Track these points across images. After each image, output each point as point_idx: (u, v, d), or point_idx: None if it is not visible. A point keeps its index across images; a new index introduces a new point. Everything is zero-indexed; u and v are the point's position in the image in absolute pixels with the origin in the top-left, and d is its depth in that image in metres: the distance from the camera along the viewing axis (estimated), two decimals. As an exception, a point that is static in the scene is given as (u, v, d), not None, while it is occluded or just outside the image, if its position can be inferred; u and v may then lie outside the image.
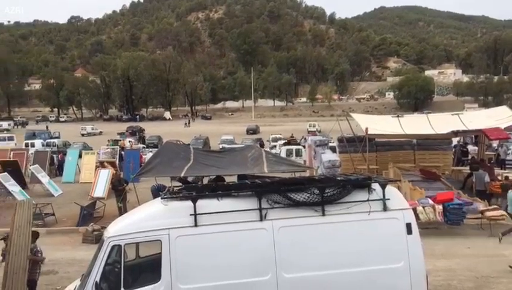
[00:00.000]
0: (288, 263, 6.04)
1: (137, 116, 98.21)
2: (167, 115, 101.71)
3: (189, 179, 14.62)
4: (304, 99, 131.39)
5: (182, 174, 13.59)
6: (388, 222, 6.19)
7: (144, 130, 58.46)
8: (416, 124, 19.22)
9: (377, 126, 17.66)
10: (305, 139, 32.00)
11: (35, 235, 8.71)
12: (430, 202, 12.73)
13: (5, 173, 18.42)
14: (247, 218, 6.11)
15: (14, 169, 19.85)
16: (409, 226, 6.19)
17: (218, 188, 6.66)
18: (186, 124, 77.66)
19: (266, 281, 6.01)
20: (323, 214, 6.13)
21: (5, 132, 59.77)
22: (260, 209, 6.08)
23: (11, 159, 22.31)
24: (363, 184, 6.33)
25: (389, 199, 6.21)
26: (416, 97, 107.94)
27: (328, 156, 17.59)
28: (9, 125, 76.61)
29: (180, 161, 14.13)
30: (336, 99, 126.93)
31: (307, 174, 15.81)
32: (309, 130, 55.76)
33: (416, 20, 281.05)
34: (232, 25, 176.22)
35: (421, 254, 6.20)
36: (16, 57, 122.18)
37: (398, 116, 19.86)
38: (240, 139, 42.63)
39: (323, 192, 6.14)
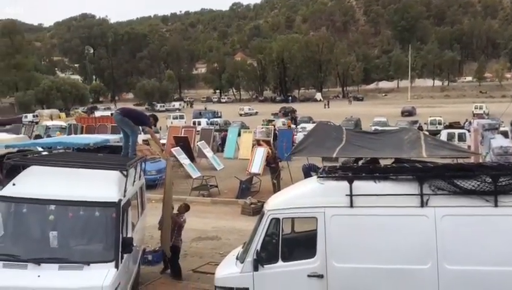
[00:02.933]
0: (452, 254, 5.66)
1: (290, 98, 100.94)
2: (318, 96, 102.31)
3: (341, 160, 14.54)
4: (469, 78, 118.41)
5: (334, 155, 13.58)
6: None
7: (295, 110, 59.92)
8: None
9: None
10: (470, 122, 29.01)
11: (186, 208, 9.49)
12: None
13: (178, 148, 20.83)
14: (406, 203, 5.88)
15: (184, 144, 22.30)
16: None
17: (375, 170, 6.52)
18: (325, 105, 77.43)
19: (425, 270, 5.73)
20: (496, 205, 5.55)
21: (177, 111, 67.50)
22: (421, 194, 5.78)
23: (183, 136, 25.06)
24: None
25: None
26: None
27: (499, 141, 15.69)
28: (180, 105, 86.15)
29: (332, 142, 14.08)
30: (509, 78, 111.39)
31: (471, 160, 14.36)
32: (475, 112, 50.42)
33: None
34: (389, 1, 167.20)
35: None
36: (186, 43, 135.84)
37: None
38: (393, 121, 40.71)
39: (497, 180, 5.53)
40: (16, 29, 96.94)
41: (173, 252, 9.14)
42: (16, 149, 15.44)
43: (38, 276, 5.61)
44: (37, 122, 45.06)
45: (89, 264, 5.87)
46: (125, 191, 6.65)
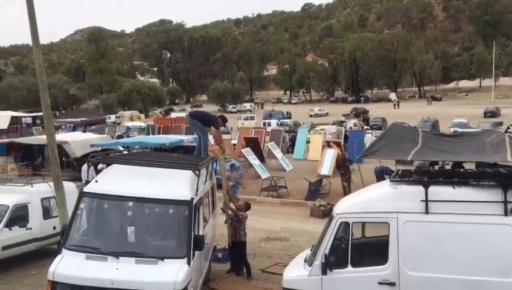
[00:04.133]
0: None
1: (362, 98, 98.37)
2: (392, 96, 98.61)
3: (416, 163, 13.88)
4: None
5: (409, 158, 13.02)
6: None
7: (367, 111, 58.25)
8: None
9: None
10: None
11: (247, 206, 9.55)
12: None
13: (248, 148, 21.14)
14: (487, 211, 5.49)
15: (255, 145, 22.60)
16: None
17: (453, 175, 6.16)
18: (395, 105, 74.25)
19: (508, 284, 5.32)
20: None
21: (248, 112, 68.53)
22: (505, 202, 5.37)
23: (253, 136, 25.39)
24: None
25: None
26: None
27: None
28: (251, 106, 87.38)
29: (407, 144, 13.52)
30: None
31: None
32: None
33: None
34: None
35: None
36: (257, 46, 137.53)
37: None
38: (475, 123, 38.18)
39: None
40: (101, 36, 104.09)
41: (240, 248, 9.27)
42: (100, 148, 16.60)
43: (117, 268, 5.96)
44: (119, 123, 48.00)
45: (162, 260, 6.13)
46: (197, 190, 6.87)
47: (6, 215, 9.96)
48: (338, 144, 23.06)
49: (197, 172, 6.95)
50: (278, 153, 22.98)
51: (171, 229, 6.71)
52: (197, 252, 6.57)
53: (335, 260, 6.13)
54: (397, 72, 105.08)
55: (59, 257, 6.21)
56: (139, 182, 6.80)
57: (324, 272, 6.06)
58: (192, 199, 6.59)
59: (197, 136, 9.18)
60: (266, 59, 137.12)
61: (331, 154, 20.30)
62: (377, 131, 30.93)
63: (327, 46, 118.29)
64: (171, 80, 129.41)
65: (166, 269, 6.04)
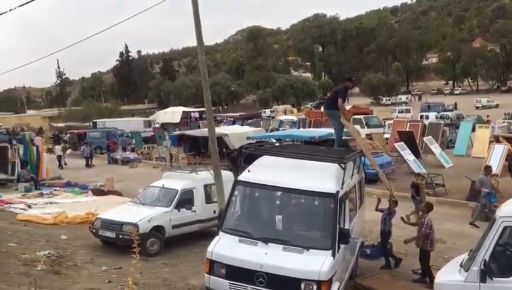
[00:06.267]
0: None
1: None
2: None
3: None
4: None
5: None
6: None
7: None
8: None
9: None
10: None
11: (429, 207, 9.00)
12: None
13: (402, 143, 20.11)
14: None
15: (409, 139, 21.38)
16: None
17: None
18: None
19: None
20: None
21: (403, 104, 65.00)
22: None
23: (407, 130, 24.05)
24: None
25: None
26: None
27: None
28: (407, 98, 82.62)
29: None
30: None
31: None
32: None
33: None
34: None
35: None
36: (416, 33, 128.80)
37: None
38: None
39: None
40: (259, 35, 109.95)
41: (423, 256, 8.86)
42: (255, 140, 17.67)
43: (266, 253, 6.32)
44: (273, 117, 50.23)
45: (308, 249, 6.30)
46: (343, 183, 6.86)
47: (175, 198, 11.38)
48: (509, 139, 20.37)
49: (343, 165, 6.94)
50: (435, 148, 21.35)
51: (317, 220, 6.83)
52: (342, 246, 6.58)
53: (497, 267, 5.50)
54: None
55: (216, 238, 6.86)
56: (288, 173, 7.07)
57: (483, 280, 5.48)
58: (338, 192, 6.60)
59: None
60: (425, 47, 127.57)
61: (501, 150, 18.06)
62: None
63: (499, 29, 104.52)
64: (323, 73, 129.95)
65: (311, 258, 6.19)
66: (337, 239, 6.41)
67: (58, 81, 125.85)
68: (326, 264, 6.11)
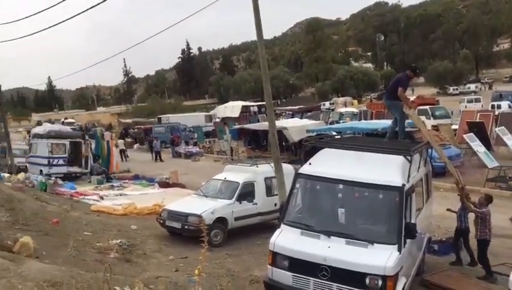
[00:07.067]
0: None
1: None
2: None
3: None
4: None
5: None
6: None
7: None
8: None
9: None
10: None
11: (488, 200, 8.68)
12: None
13: (471, 134, 19.04)
14: None
15: (479, 130, 20.19)
16: None
17: None
18: None
19: None
20: None
21: (473, 94, 61.44)
22: None
23: (477, 120, 22.74)
24: None
25: None
26: None
27: None
28: (476, 87, 78.00)
29: None
30: None
31: None
32: None
33: None
34: None
35: None
36: (486, 18, 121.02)
37: None
38: None
39: None
40: (317, 26, 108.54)
41: (480, 247, 8.58)
42: (314, 133, 17.55)
43: (329, 247, 6.27)
44: (333, 110, 49.51)
45: (373, 244, 6.17)
46: (408, 176, 6.64)
47: (237, 191, 11.59)
48: None
49: (408, 157, 6.71)
50: (508, 139, 19.97)
51: (382, 214, 6.67)
52: (408, 241, 6.38)
53: None
54: None
55: (278, 230, 6.91)
56: (350, 165, 6.94)
57: None
58: (404, 185, 6.40)
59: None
60: (496, 32, 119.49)
61: None
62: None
63: None
64: (385, 63, 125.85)
65: (376, 253, 6.06)
66: (403, 234, 6.23)
67: (125, 79, 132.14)
68: (392, 259, 5.96)
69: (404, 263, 6.31)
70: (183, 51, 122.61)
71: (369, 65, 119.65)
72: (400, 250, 6.10)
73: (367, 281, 5.94)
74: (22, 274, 3.93)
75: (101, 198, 16.18)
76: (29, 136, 31.87)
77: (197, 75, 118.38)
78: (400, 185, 6.39)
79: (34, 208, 11.48)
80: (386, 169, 6.71)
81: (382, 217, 6.65)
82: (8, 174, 19.81)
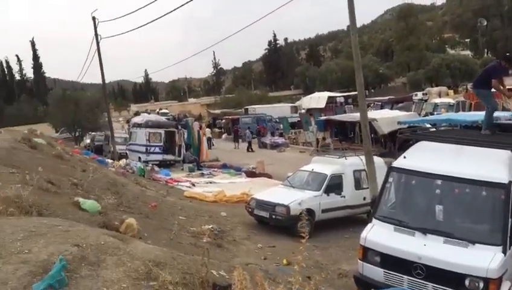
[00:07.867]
0: None
1: None
2: None
3: None
4: None
5: None
6: None
7: None
8: None
9: None
10: None
11: None
12: None
13: None
14: None
15: None
16: None
17: None
18: None
19: None
20: None
21: None
22: None
23: None
24: None
25: None
26: None
27: None
28: None
29: None
30: None
31: None
32: None
33: None
34: None
35: None
36: None
37: None
38: None
39: None
40: (410, 13, 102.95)
41: None
42: (406, 125, 16.78)
43: (424, 245, 5.98)
44: (426, 100, 46.86)
45: (474, 244, 5.78)
46: (516, 173, 6.10)
47: (325, 183, 11.52)
48: None
49: (517, 152, 6.16)
50: None
51: (484, 213, 6.21)
52: (515, 242, 5.88)
53: None
54: None
55: (370, 225, 6.73)
56: (449, 160, 6.54)
57: None
58: (510, 182, 5.90)
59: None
60: None
61: None
62: None
63: None
64: (485, 50, 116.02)
65: (478, 254, 5.68)
66: (508, 234, 5.75)
67: (214, 72, 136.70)
68: (496, 261, 5.54)
69: (510, 266, 5.84)
70: (269, 42, 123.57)
71: (467, 52, 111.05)
72: (504, 252, 5.65)
73: (466, 282, 5.60)
74: (130, 253, 4.26)
75: (193, 185, 17.02)
76: (128, 125, 34.38)
77: (283, 66, 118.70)
78: (506, 182, 5.90)
79: (135, 192, 12.40)
80: (490, 164, 6.21)
81: (485, 216, 6.20)
82: (111, 160, 21.59)
